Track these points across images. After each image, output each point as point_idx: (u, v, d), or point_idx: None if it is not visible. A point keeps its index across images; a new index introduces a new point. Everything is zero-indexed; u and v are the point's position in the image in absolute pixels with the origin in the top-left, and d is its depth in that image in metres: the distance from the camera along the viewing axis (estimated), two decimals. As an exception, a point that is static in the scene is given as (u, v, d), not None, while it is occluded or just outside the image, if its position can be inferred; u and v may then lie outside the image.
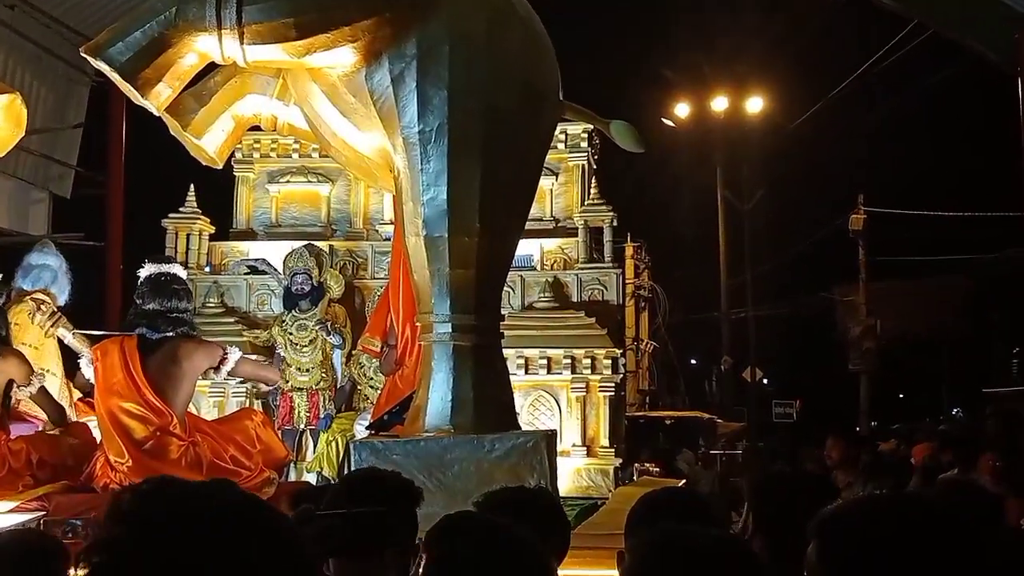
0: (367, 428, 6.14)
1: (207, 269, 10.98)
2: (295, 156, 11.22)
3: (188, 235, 10.87)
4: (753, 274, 24.43)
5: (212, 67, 5.81)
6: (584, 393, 9.67)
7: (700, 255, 25.17)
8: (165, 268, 6.61)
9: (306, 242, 10.47)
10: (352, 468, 5.36)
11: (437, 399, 5.41)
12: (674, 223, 25.38)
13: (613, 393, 9.82)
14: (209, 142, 6.03)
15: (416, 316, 6.07)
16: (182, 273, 6.82)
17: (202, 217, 10.97)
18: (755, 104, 22.67)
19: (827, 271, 25.14)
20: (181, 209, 10.95)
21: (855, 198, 22.42)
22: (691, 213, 25.05)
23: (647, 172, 22.23)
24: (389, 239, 10.69)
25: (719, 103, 22.50)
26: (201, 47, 5.17)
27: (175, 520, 1.29)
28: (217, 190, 11.52)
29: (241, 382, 9.06)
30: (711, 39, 24.05)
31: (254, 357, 8.00)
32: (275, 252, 10.85)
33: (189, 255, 10.77)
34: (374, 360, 9.12)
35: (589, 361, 9.72)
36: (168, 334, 6.24)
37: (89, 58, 5.20)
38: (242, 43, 5.11)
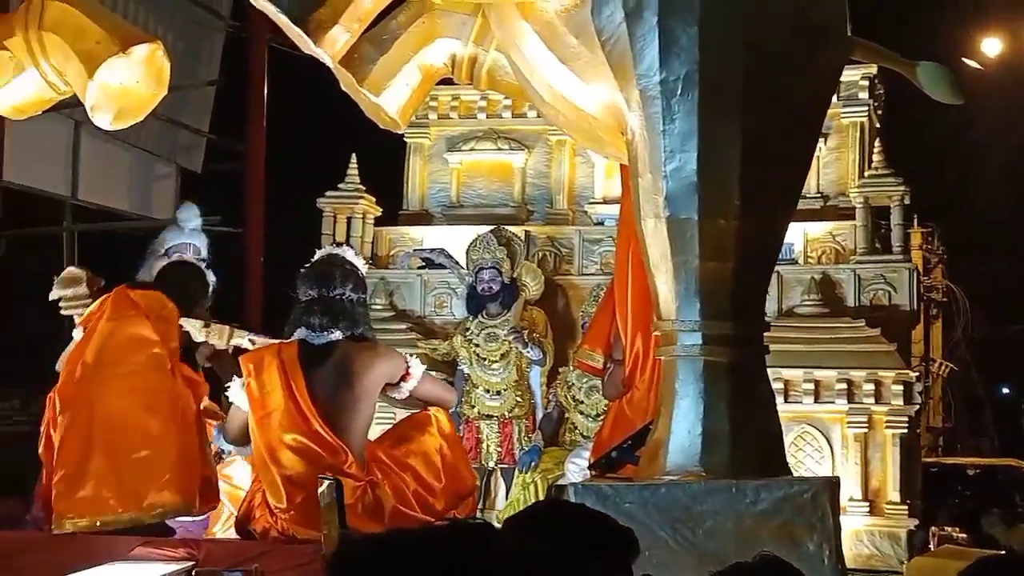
0: (590, 468, 6.12)
1: (371, 262, 11.27)
2: (481, 116, 11.44)
3: (349, 219, 11.23)
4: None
5: (395, 6, 5.99)
6: (865, 430, 9.42)
7: (1017, 244, 24.12)
8: (332, 251, 6.77)
9: (495, 227, 10.60)
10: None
11: (683, 432, 5.39)
12: (979, 200, 24.38)
13: (906, 430, 9.53)
14: (390, 99, 6.21)
15: (652, 323, 6.09)
16: (357, 260, 6.86)
17: (366, 196, 11.29)
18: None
19: None
20: (341, 187, 11.31)
21: None
22: (1004, 186, 24.04)
23: (942, 131, 21.46)
24: (603, 223, 10.78)
25: (991, 45, 21.68)
26: (385, -22, 5.37)
27: None
28: (384, 162, 11.83)
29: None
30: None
31: (433, 373, 8.13)
32: (456, 240, 11.06)
33: (351, 244, 11.09)
34: (587, 379, 9.15)
35: (872, 387, 9.47)
36: (334, 336, 6.27)
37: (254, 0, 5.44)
38: (440, -30, 5.29)
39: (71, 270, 7.69)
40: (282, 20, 5.40)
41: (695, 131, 5.32)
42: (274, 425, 6.07)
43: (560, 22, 5.52)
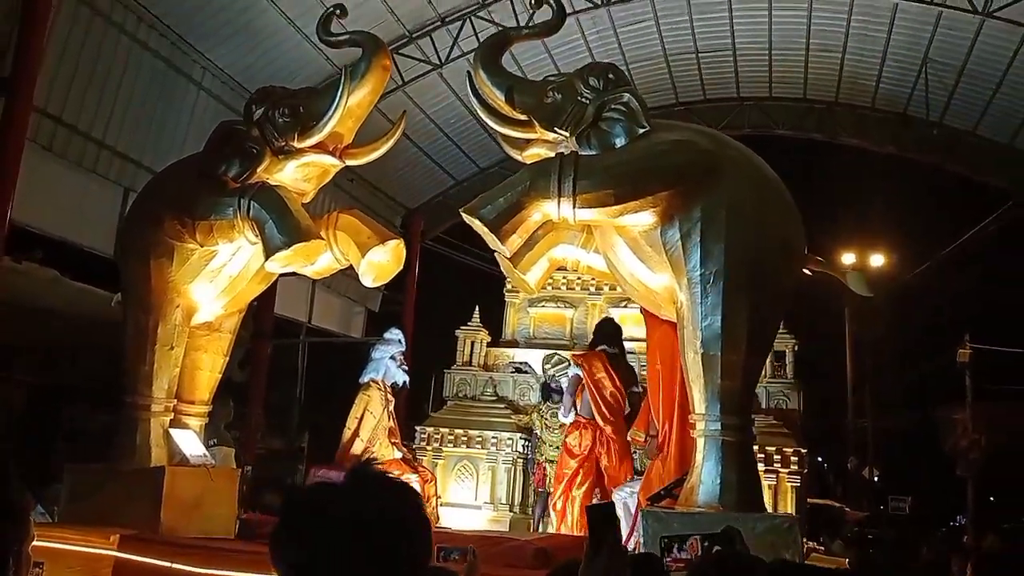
0: (649, 499, 5.74)
1: (484, 368, 11.02)
2: (549, 288, 11.23)
3: (472, 342, 11.00)
4: (872, 391, 23.08)
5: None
6: (774, 483, 8.98)
7: (829, 375, 23.78)
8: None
9: (553, 351, 10.38)
10: (642, 531, 5.07)
11: (709, 481, 5.08)
12: (808, 349, 24.10)
13: (799, 484, 9.09)
14: (531, 276, 6.05)
15: (674, 414, 5.81)
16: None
17: (483, 329, 11.09)
18: (877, 260, 21.70)
19: (938, 392, 23.20)
20: (469, 323, 11.10)
21: (963, 335, 20.81)
22: (823, 343, 23.84)
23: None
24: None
25: (848, 258, 21.66)
26: (544, 209, 5.24)
27: None
28: (492, 311, 11.65)
29: None
30: (839, 210, 23.25)
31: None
32: (532, 357, 10.82)
33: (473, 357, 10.87)
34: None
35: (779, 456, 9.08)
36: None
37: (466, 217, 5.29)
38: (574, 207, 5.15)
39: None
40: (483, 229, 5.25)
41: (720, 304, 5.13)
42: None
43: (641, 238, 5.38)
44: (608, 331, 8.35)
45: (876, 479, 24.87)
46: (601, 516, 2.53)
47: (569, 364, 8.87)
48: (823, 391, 23.84)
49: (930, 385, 23.73)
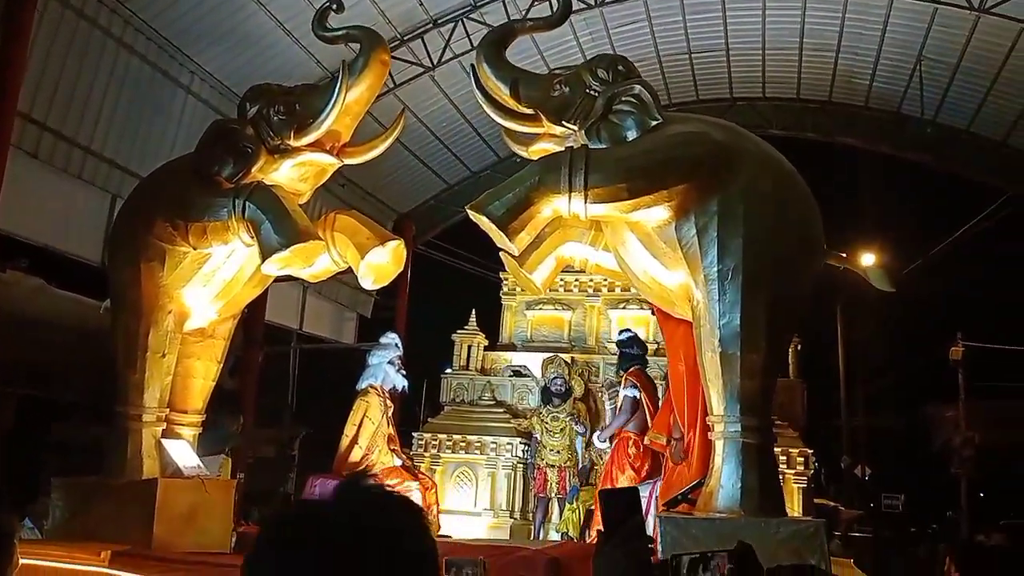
0: (665, 504, 5.46)
1: (481, 372, 10.77)
2: (547, 291, 11.03)
3: (469, 346, 10.75)
4: (865, 391, 23.07)
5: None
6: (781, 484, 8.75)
7: (821, 374, 23.73)
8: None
9: (553, 353, 10.13)
10: (661, 539, 4.81)
11: (728, 486, 4.84)
12: (802, 349, 24.01)
13: (805, 485, 8.88)
14: (537, 276, 5.81)
15: (698, 416, 5.54)
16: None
17: (480, 333, 10.83)
18: (868, 259, 21.60)
19: (931, 391, 23.14)
20: (465, 327, 10.84)
21: (955, 333, 20.76)
22: (814, 341, 23.81)
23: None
24: (615, 354, 10.24)
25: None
26: (555, 205, 4.99)
27: None
28: (489, 314, 11.40)
29: None
30: (833, 209, 23.15)
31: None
32: (530, 360, 10.57)
33: (470, 361, 10.61)
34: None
35: (785, 458, 8.85)
36: None
37: (472, 214, 5.04)
38: (585, 202, 4.91)
39: None
40: (491, 226, 4.99)
41: (739, 301, 4.90)
42: None
43: (655, 233, 5.14)
44: (640, 348, 8.35)
45: (867, 477, 24.83)
46: (617, 502, 2.03)
47: (620, 385, 8.45)
48: (815, 390, 23.77)
49: (922, 383, 23.72)
